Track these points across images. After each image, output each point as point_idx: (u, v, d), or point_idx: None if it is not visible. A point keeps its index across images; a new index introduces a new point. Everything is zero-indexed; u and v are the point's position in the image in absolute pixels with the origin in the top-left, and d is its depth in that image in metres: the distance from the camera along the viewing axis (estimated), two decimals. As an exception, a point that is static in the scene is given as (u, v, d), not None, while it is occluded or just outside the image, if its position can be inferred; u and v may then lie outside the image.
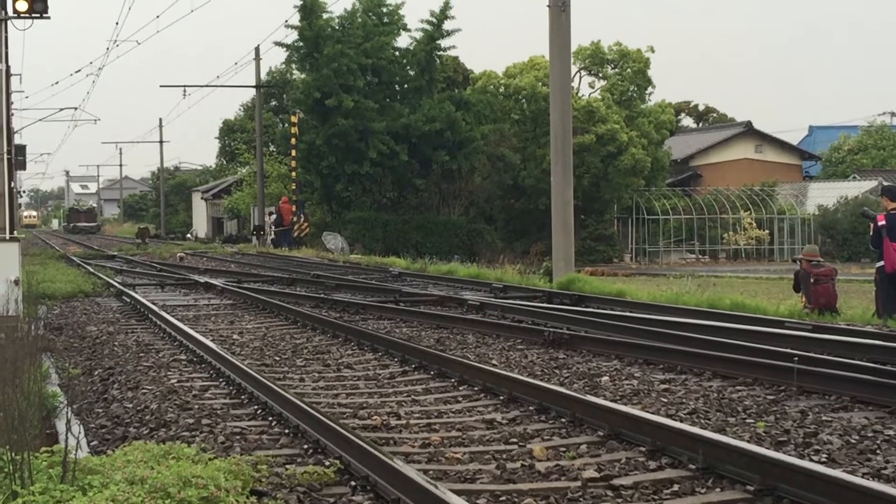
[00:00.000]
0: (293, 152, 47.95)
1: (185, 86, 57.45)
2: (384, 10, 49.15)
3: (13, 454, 5.56)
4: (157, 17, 36.68)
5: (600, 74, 53.86)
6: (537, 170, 48.30)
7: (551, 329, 13.02)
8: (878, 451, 6.98)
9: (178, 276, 26.47)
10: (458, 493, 5.78)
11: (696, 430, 6.99)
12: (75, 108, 58.83)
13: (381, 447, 6.79)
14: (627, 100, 52.77)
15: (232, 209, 68.36)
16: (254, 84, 56.76)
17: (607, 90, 52.96)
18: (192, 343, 12.49)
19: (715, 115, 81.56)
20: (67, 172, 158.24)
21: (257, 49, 54.76)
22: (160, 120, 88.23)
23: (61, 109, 55.45)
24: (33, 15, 22.58)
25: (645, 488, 6.24)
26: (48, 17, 22.45)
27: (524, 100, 51.65)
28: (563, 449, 7.23)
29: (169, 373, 10.90)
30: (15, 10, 22.50)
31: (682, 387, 9.55)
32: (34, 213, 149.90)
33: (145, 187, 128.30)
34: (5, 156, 23.58)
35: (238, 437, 7.69)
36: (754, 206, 54.13)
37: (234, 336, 14.18)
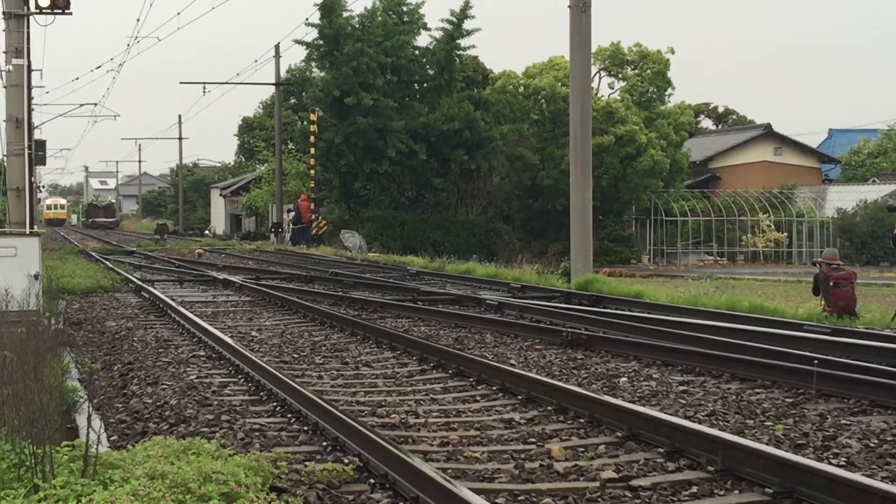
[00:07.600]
0: (312, 150, 48.01)
1: (204, 83, 57.76)
2: (404, 9, 49.12)
3: (34, 448, 5.59)
4: (178, 13, 36.88)
5: (620, 75, 53.67)
6: (556, 170, 48.23)
7: (569, 329, 13.03)
8: (897, 456, 6.96)
9: (197, 272, 26.56)
10: (477, 491, 5.80)
11: (714, 431, 6.99)
12: (95, 104, 58.85)
13: (400, 445, 6.81)
14: (647, 101, 52.60)
15: (250, 206, 68.47)
16: (273, 82, 56.93)
17: (627, 91, 52.78)
18: (211, 339, 12.53)
19: (734, 117, 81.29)
20: (87, 168, 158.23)
21: (277, 47, 54.98)
22: (179, 116, 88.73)
23: (81, 105, 55.49)
24: (55, 11, 22.73)
25: (663, 489, 6.24)
26: (70, 13, 22.58)
27: (543, 100, 51.54)
28: (582, 449, 7.24)
29: (188, 369, 10.94)
30: (37, 6, 22.65)
31: (700, 388, 9.54)
32: (62, 202, 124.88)
33: (164, 183, 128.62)
34: (26, 151, 23.72)
35: (257, 433, 7.72)
36: (773, 208, 53.89)
37: (253, 333, 14.22)
